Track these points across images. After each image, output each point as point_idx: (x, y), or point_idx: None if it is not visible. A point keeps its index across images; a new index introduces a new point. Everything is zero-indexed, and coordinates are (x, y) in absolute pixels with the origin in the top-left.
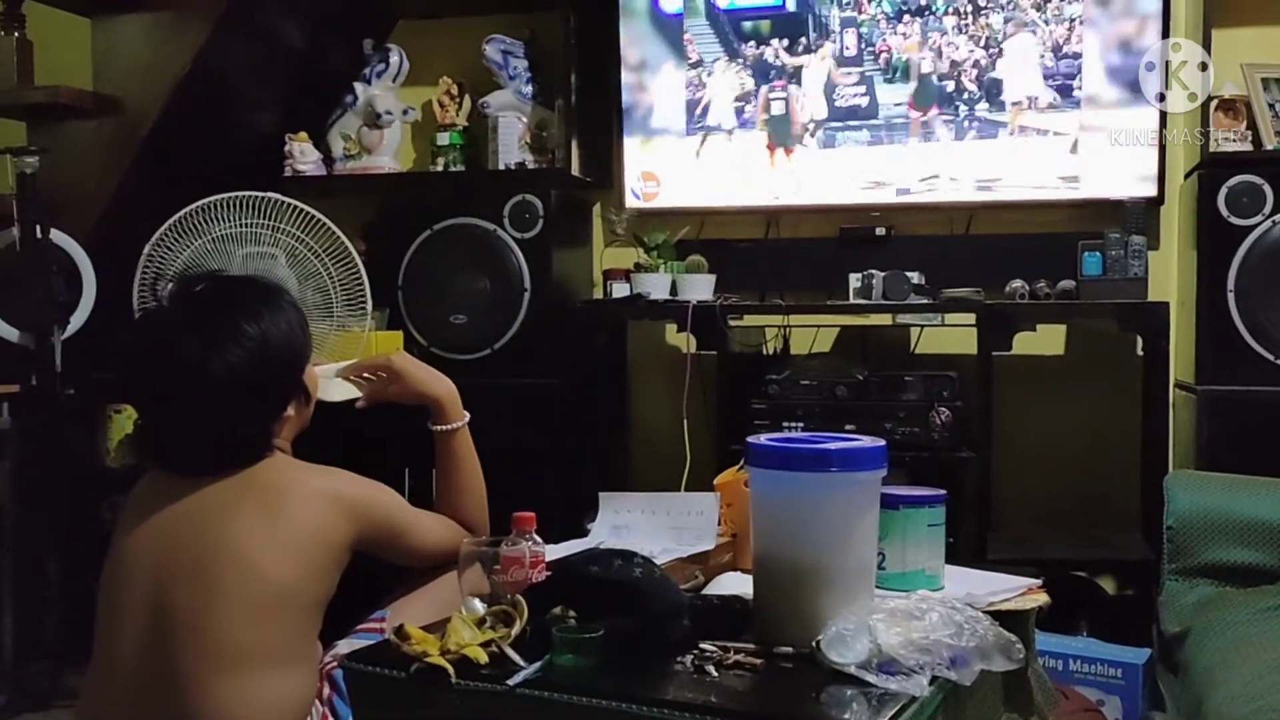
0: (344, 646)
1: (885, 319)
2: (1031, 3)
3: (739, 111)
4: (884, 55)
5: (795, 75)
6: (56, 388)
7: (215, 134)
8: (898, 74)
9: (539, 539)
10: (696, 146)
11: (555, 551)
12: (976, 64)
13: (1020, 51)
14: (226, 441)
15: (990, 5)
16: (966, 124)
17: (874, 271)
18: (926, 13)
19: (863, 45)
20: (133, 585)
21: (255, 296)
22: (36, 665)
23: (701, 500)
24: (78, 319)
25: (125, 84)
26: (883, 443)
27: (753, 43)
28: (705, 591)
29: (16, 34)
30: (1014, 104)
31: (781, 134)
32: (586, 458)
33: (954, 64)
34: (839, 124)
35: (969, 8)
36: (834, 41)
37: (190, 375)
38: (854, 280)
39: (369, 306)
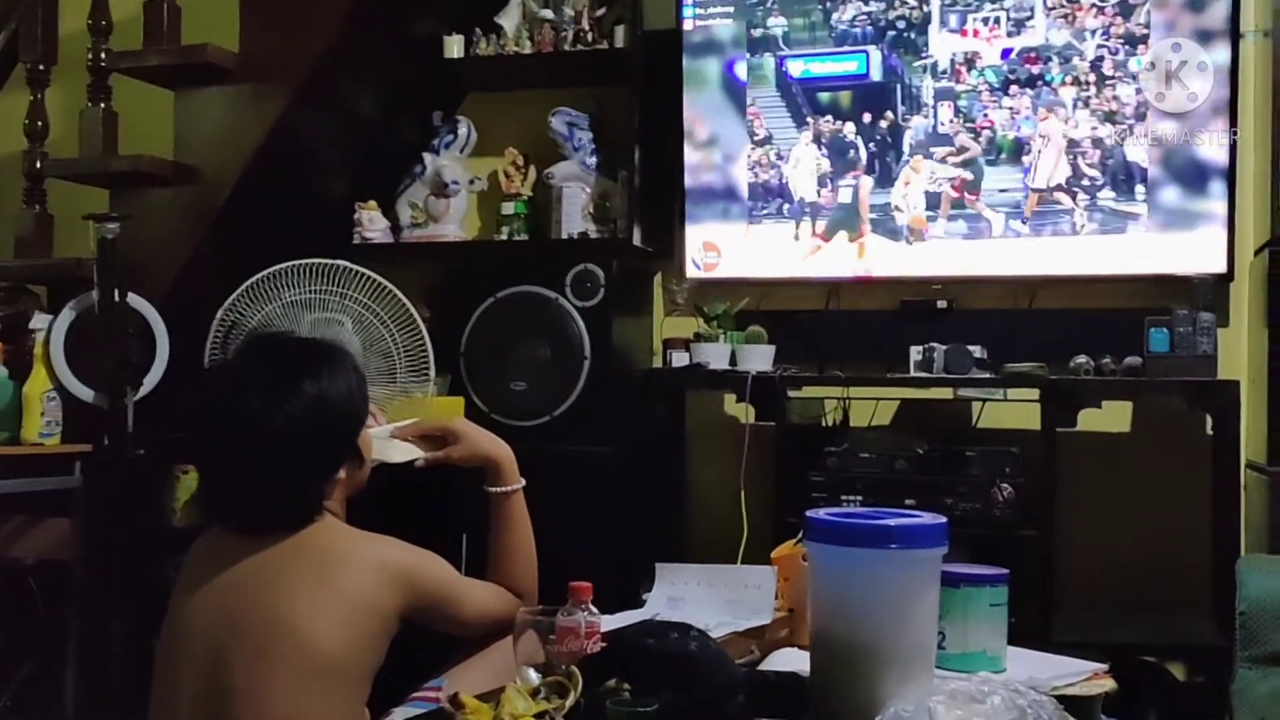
0: (399, 715)
1: (946, 392)
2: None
3: (802, 200)
4: (985, 133)
5: (878, 158)
6: (127, 447)
7: (288, 202)
8: (1002, 155)
9: (595, 609)
10: (759, 224)
11: (611, 622)
12: (1099, 143)
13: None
14: (279, 496)
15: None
16: (1087, 212)
17: (935, 345)
18: (1039, 83)
19: (961, 119)
20: (189, 649)
21: (318, 357)
22: None
23: (758, 574)
24: (150, 380)
25: (204, 153)
26: (944, 520)
27: (829, 117)
28: (761, 667)
29: (103, 105)
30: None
31: (850, 221)
32: (643, 527)
33: (1072, 143)
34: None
35: (1092, 78)
36: (926, 116)
37: (248, 427)
38: (915, 353)
39: (432, 372)
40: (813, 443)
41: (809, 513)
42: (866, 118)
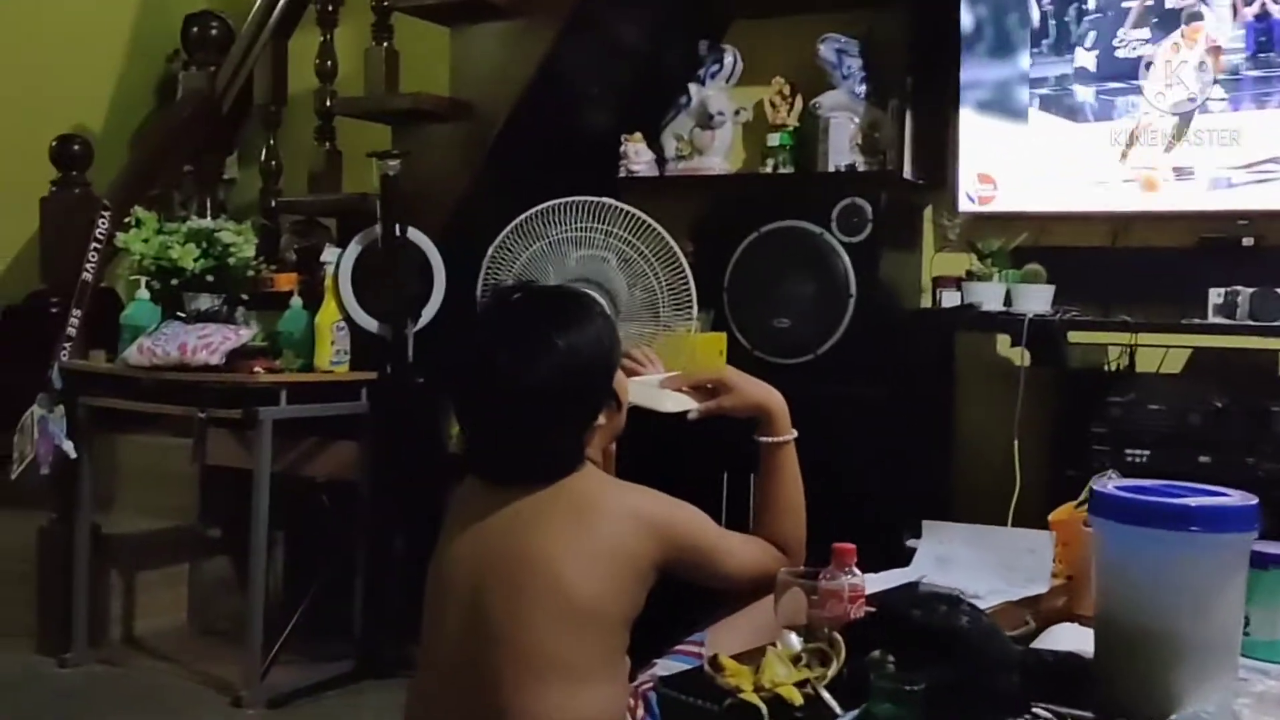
0: (662, 668)
1: (1250, 341)
2: None
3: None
4: None
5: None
6: (408, 376)
7: (557, 135)
8: None
9: (859, 572)
10: (1040, 140)
11: (875, 583)
12: None
13: None
14: (539, 453)
15: None
16: None
17: (1239, 288)
18: None
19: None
20: (453, 589)
21: (564, 307)
22: (382, 636)
23: (1035, 538)
24: (429, 312)
25: (478, 89)
26: (1254, 500)
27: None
28: (1038, 645)
29: (385, 44)
30: None
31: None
32: (907, 473)
33: None
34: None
35: None
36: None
37: (503, 389)
38: (1214, 296)
39: (694, 309)
40: (1095, 391)
41: (1097, 485)
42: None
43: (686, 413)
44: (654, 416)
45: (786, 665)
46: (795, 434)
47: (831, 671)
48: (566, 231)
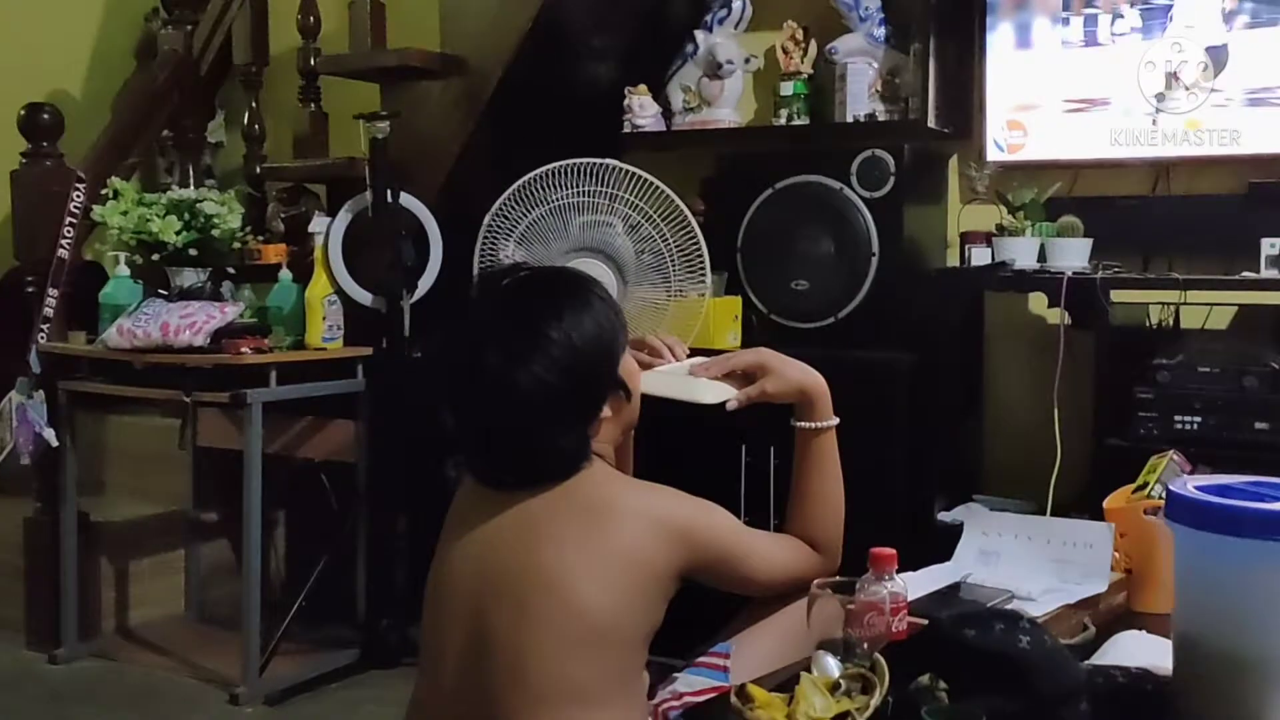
0: (682, 683)
1: None
2: None
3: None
4: None
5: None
6: (405, 351)
7: (557, 90)
8: None
9: (900, 579)
10: (1075, 82)
11: (915, 583)
12: None
13: None
14: (538, 455)
15: None
16: None
17: None
18: None
19: None
20: (454, 601)
21: (556, 294)
22: (387, 620)
23: (1091, 530)
24: (425, 282)
25: (470, 43)
26: None
27: None
28: (1102, 657)
29: None
30: None
31: (1184, 90)
32: (936, 444)
33: None
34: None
35: None
36: None
37: (495, 391)
38: (1267, 247)
39: (708, 275)
40: (1138, 352)
41: (1170, 485)
42: None
43: (725, 403)
44: (686, 409)
45: (824, 695)
46: (837, 420)
47: (875, 701)
48: (568, 196)
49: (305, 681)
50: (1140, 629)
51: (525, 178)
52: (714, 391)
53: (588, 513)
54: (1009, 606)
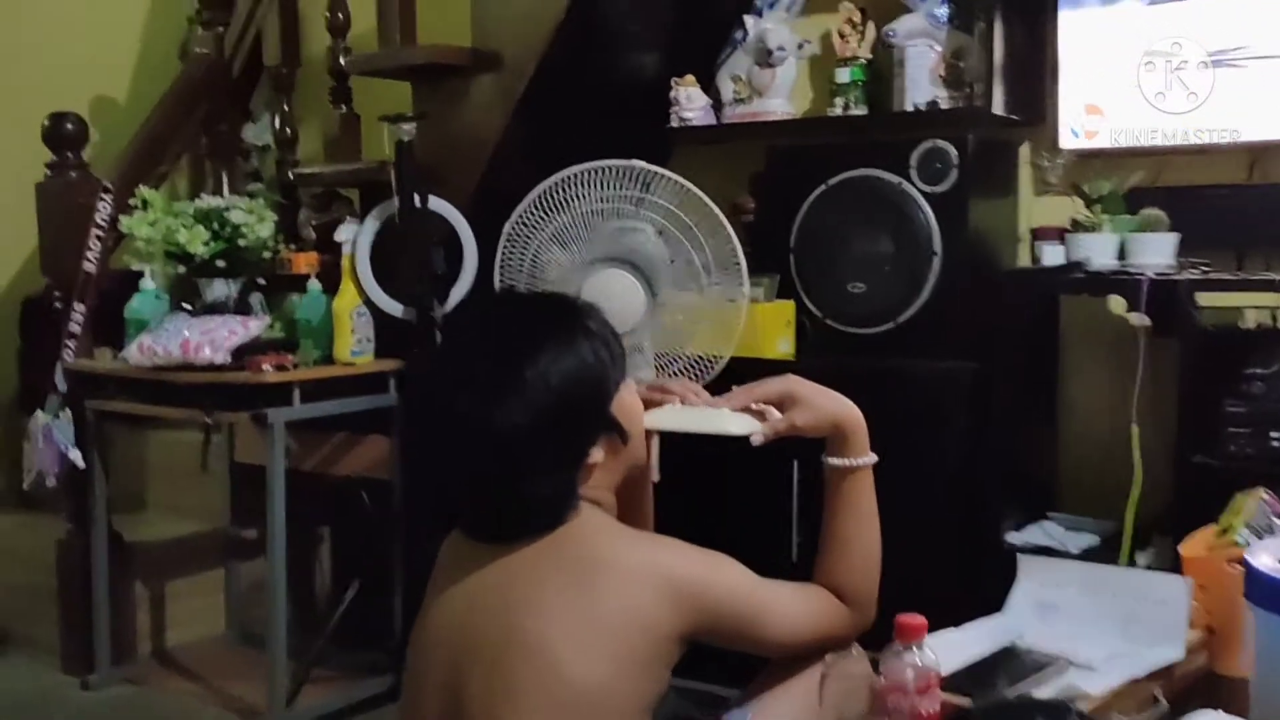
0: None
1: None
2: None
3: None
4: None
5: None
6: None
7: (597, 83)
8: None
9: (930, 651)
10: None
11: (960, 643)
12: None
13: None
14: (518, 505)
15: None
16: None
17: None
18: None
19: None
20: (430, 662)
21: (537, 328)
22: None
23: (1164, 583)
24: (459, 291)
25: (503, 37)
26: None
27: None
28: None
29: None
30: None
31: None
32: (1002, 461)
33: None
34: None
35: None
36: None
37: (467, 436)
38: None
39: (745, 283)
40: (1229, 361)
41: (1250, 558)
42: None
43: (749, 436)
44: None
45: None
46: (874, 458)
47: None
48: (595, 203)
49: (334, 712)
50: (1222, 694)
51: (544, 184)
52: (739, 423)
53: (577, 568)
54: (1064, 677)
